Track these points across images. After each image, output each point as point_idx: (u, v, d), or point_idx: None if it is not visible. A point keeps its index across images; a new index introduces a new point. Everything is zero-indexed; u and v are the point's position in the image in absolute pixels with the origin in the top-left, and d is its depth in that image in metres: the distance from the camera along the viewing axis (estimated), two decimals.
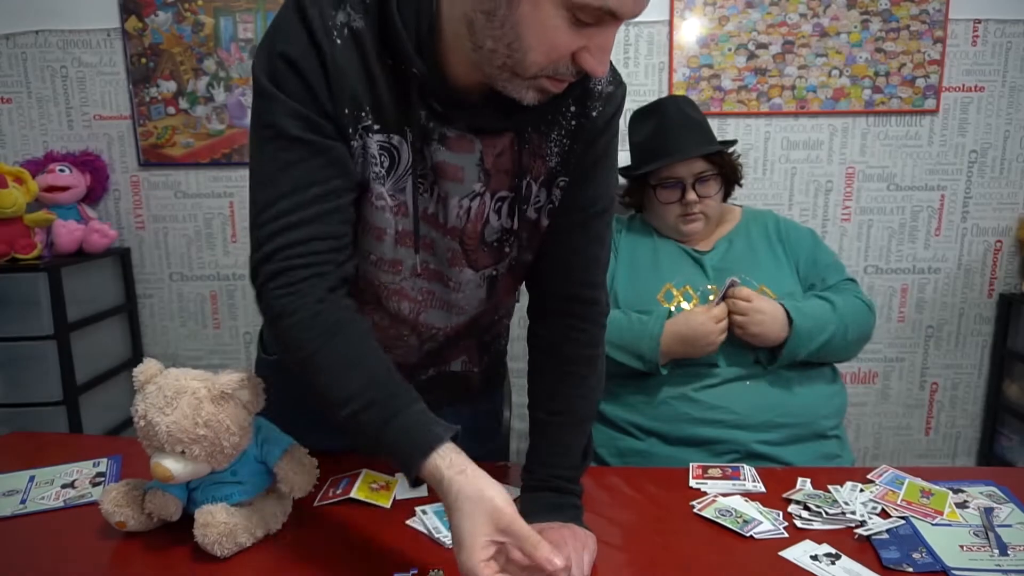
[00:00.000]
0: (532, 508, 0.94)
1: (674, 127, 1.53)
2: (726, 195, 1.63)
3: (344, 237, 0.90)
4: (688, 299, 1.49)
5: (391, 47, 0.85)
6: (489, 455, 1.31)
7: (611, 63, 0.95)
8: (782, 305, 1.41)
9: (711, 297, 1.46)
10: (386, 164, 0.90)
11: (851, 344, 1.49)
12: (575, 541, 0.89)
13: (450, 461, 0.80)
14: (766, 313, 1.39)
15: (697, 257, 1.55)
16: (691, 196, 1.53)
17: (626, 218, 1.69)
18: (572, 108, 0.95)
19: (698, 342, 1.39)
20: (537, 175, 0.96)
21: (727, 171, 1.58)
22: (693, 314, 1.41)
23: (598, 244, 1.03)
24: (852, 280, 1.55)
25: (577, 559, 0.86)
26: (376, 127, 0.88)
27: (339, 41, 0.84)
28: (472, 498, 0.77)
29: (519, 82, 0.82)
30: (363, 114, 0.87)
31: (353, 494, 1.08)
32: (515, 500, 1.03)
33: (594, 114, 0.96)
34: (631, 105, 1.72)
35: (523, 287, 1.15)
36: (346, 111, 0.86)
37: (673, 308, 1.47)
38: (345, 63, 0.85)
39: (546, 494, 0.97)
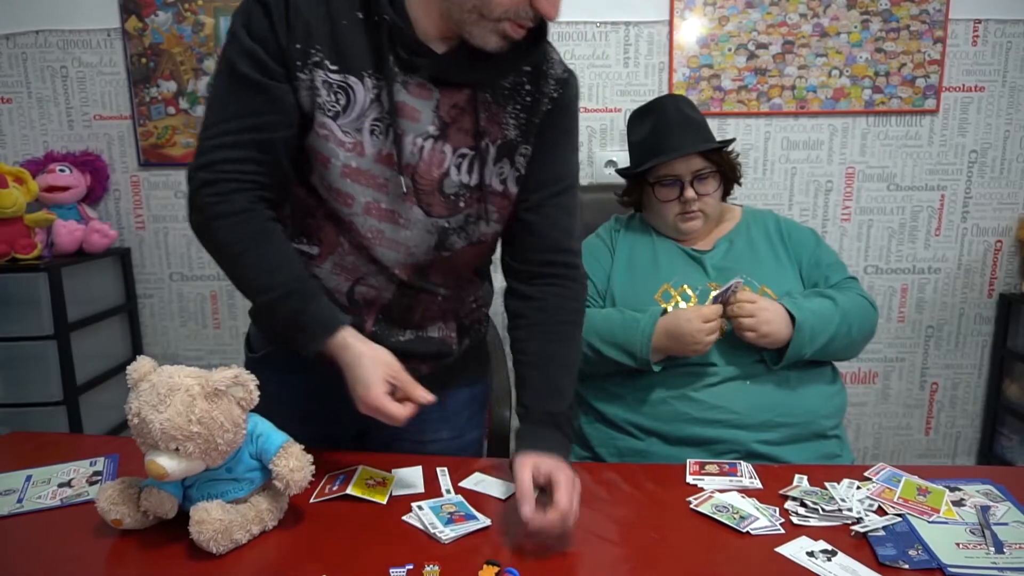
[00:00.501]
0: (534, 443, 1.05)
1: (672, 125, 1.52)
2: (725, 194, 1.62)
3: (272, 165, 1.05)
4: (686, 299, 1.48)
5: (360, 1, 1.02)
6: (468, 446, 1.36)
7: (560, 58, 1.16)
8: (782, 305, 1.40)
9: (713, 294, 1.45)
10: (342, 103, 1.03)
11: (855, 341, 1.48)
12: (573, 490, 0.99)
13: (353, 333, 1.04)
14: (771, 311, 1.38)
15: (697, 257, 1.55)
16: (689, 194, 1.52)
17: (625, 218, 1.69)
18: (527, 86, 1.11)
19: (684, 339, 1.37)
20: (495, 139, 1.10)
21: (726, 169, 1.57)
22: (683, 311, 1.40)
23: (570, 216, 1.20)
24: (853, 278, 1.55)
25: (571, 504, 0.97)
26: (333, 67, 1.02)
27: None
28: (371, 355, 1.03)
29: (485, 24, 0.98)
30: (313, 51, 1.01)
31: (349, 490, 1.09)
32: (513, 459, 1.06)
33: (555, 95, 1.13)
34: (630, 106, 1.72)
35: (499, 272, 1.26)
36: (297, 46, 1.00)
37: (671, 308, 1.46)
38: (307, 8, 1.01)
39: (550, 431, 1.08)
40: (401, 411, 1.01)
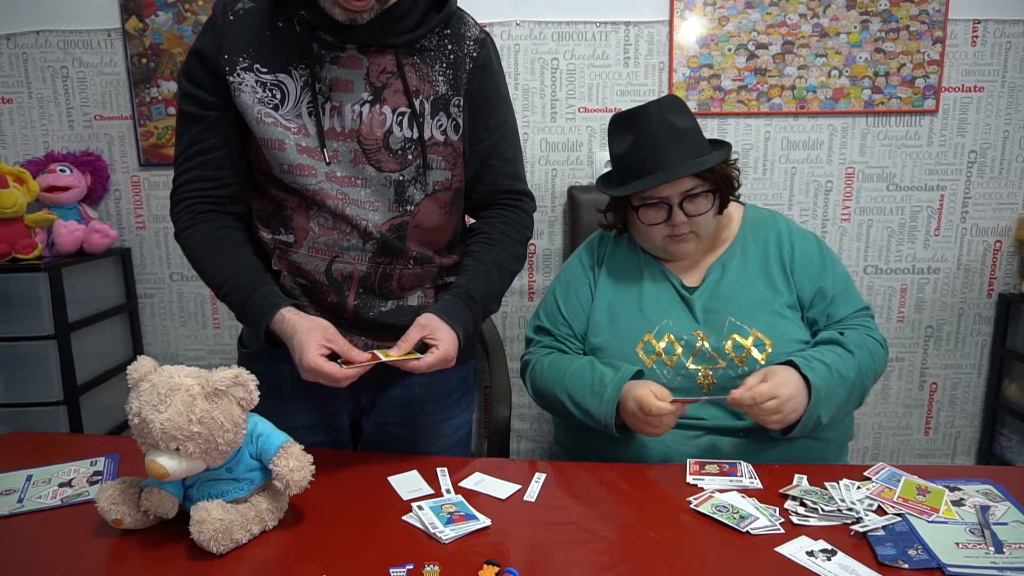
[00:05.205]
0: (440, 308, 1.23)
1: (656, 140, 1.33)
2: (722, 207, 1.43)
3: (221, 178, 1.25)
4: (670, 352, 1.35)
5: (282, 11, 1.19)
6: (459, 428, 1.43)
7: (475, 21, 1.30)
8: (792, 366, 1.24)
9: (698, 344, 1.33)
10: (278, 97, 1.19)
11: (865, 397, 1.35)
12: (439, 360, 1.16)
13: (293, 311, 1.18)
14: (796, 398, 1.20)
15: (686, 296, 1.40)
16: (679, 218, 1.35)
17: (611, 234, 1.53)
18: (449, 46, 1.25)
19: (633, 425, 1.26)
20: (428, 95, 1.23)
21: (720, 185, 1.39)
22: (635, 401, 1.23)
23: (509, 161, 1.35)
24: (865, 310, 1.40)
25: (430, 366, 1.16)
26: (263, 69, 1.18)
27: (232, 17, 1.19)
28: (308, 324, 1.15)
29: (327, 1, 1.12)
30: (241, 58, 1.18)
31: (381, 358, 1.14)
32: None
33: (475, 54, 1.26)
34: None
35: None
36: (226, 56, 1.17)
37: (653, 364, 1.34)
38: (235, 30, 1.18)
39: (459, 305, 1.25)
40: (338, 371, 1.10)
